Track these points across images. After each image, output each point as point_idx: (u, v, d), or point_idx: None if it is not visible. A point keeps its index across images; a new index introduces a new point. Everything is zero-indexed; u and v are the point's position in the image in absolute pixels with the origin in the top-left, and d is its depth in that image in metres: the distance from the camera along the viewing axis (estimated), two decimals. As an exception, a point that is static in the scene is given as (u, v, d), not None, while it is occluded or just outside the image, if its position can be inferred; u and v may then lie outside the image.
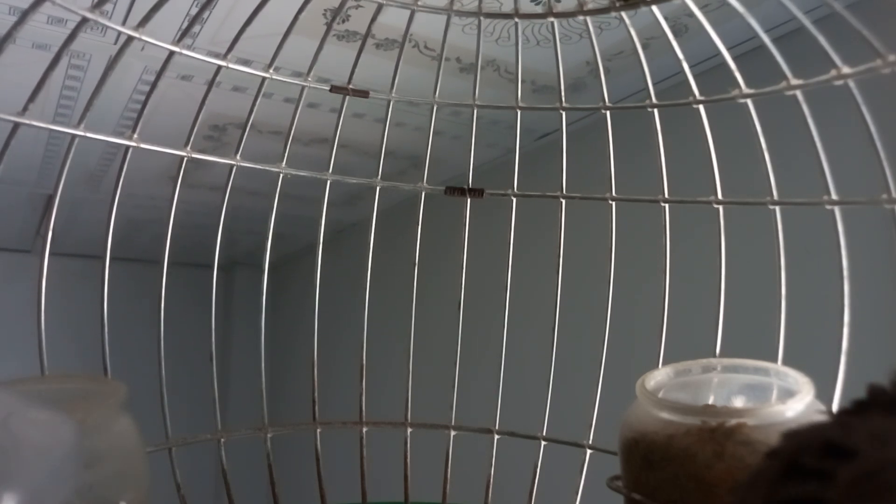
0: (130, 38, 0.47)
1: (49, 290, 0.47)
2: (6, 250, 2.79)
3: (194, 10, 1.02)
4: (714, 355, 0.53)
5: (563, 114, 0.60)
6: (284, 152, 0.58)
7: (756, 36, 0.49)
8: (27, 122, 0.43)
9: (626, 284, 0.66)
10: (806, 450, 0.25)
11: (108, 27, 0.45)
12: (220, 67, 0.52)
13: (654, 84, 0.57)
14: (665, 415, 0.43)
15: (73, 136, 0.46)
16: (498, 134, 1.58)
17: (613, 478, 0.47)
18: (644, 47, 0.56)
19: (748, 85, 0.52)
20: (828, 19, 0.48)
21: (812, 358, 0.47)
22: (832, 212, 0.50)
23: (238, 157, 0.55)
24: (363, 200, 2.16)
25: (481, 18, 0.58)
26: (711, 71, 0.96)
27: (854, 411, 0.28)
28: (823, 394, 0.45)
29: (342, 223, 2.45)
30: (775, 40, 0.50)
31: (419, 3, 0.57)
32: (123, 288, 0.83)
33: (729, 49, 0.52)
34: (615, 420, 0.47)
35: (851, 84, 0.47)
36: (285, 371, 2.68)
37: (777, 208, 0.53)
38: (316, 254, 0.60)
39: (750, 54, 0.68)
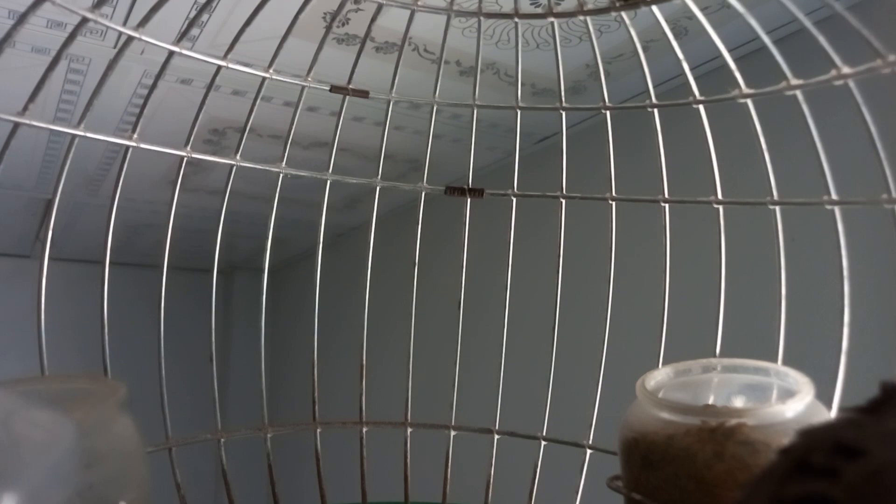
0: (130, 39, 0.47)
1: (49, 295, 0.47)
2: (6, 255, 2.80)
3: (194, 13, 1.03)
4: (714, 355, 0.53)
5: (563, 114, 0.60)
6: (284, 153, 0.58)
7: (756, 38, 0.50)
8: (27, 122, 0.43)
9: (626, 284, 0.66)
10: (816, 448, 0.25)
11: (107, 30, 0.45)
12: (219, 67, 0.53)
13: (654, 87, 0.57)
14: (665, 415, 0.43)
15: (73, 137, 0.46)
16: (498, 137, 1.58)
17: (613, 478, 0.47)
18: (644, 50, 0.56)
19: (748, 86, 0.52)
20: (828, 23, 0.48)
21: (812, 358, 0.47)
22: (832, 212, 0.50)
23: (238, 157, 0.55)
24: (362, 204, 2.16)
25: (481, 19, 0.59)
26: (712, 73, 0.96)
27: (869, 410, 0.28)
28: (823, 394, 0.45)
29: (342, 227, 2.45)
30: (775, 42, 0.50)
31: (419, 3, 0.57)
32: (123, 292, 0.83)
33: (729, 51, 0.52)
34: (615, 420, 0.47)
35: (851, 84, 0.47)
36: (285, 371, 2.68)
37: (777, 208, 0.53)
38: (316, 254, 0.60)
39: (750, 56, 0.68)
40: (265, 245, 0.59)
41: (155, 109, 1.40)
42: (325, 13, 1.07)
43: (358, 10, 1.04)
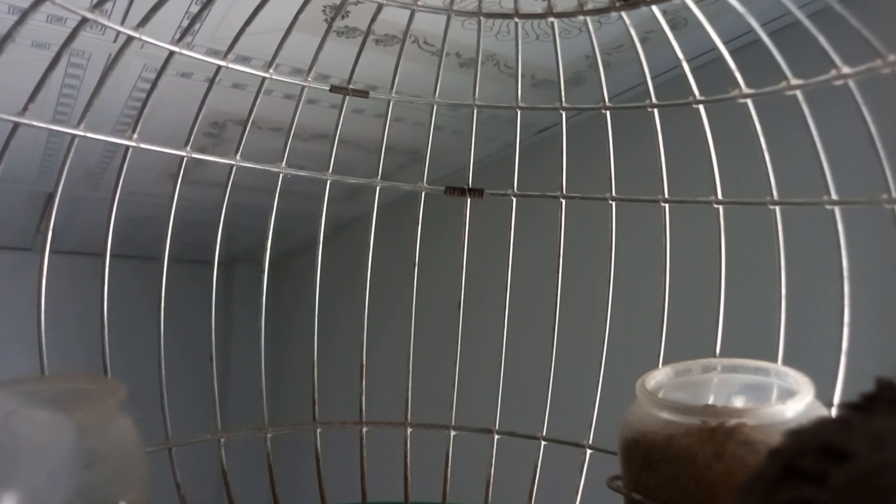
0: (130, 38, 0.47)
1: (50, 288, 0.47)
2: (7, 248, 2.79)
3: (194, 8, 1.02)
4: (714, 355, 0.53)
5: (563, 114, 0.60)
6: (284, 152, 0.58)
7: (753, 30, 0.49)
8: (27, 122, 0.43)
9: (626, 284, 0.66)
10: (804, 451, 0.25)
11: (107, 26, 0.45)
12: (219, 67, 0.52)
13: (653, 77, 0.56)
14: (665, 415, 0.43)
15: (73, 136, 0.46)
16: (498, 128, 1.58)
17: (613, 478, 0.47)
18: (643, 41, 0.56)
19: (747, 79, 0.52)
20: (828, 19, 0.48)
21: (812, 358, 0.47)
22: (832, 212, 0.50)
23: (238, 156, 0.55)
24: (363, 196, 2.16)
25: (481, 18, 0.58)
26: (711, 64, 0.96)
27: (860, 406, 0.28)
28: (823, 394, 0.45)
29: (342, 219, 2.45)
30: (773, 33, 0.50)
31: (419, 3, 0.56)
32: (124, 285, 0.83)
33: (728, 42, 0.52)
34: (615, 420, 0.47)
35: (851, 84, 0.47)
36: (285, 371, 2.68)
37: (777, 208, 0.53)
38: (316, 254, 0.60)
39: (749, 47, 0.68)
40: (265, 239, 0.59)
41: (155, 103, 1.40)
42: (325, 6, 1.07)
43: (358, 2, 1.04)
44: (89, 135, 0.46)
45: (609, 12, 0.53)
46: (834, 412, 0.46)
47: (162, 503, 0.44)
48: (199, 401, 0.73)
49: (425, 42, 1.20)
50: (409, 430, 0.60)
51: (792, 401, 0.42)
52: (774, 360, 0.51)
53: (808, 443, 0.26)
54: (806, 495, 0.23)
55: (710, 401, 0.47)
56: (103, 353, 0.49)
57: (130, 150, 0.50)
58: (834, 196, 0.50)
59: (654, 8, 0.51)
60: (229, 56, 0.52)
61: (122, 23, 0.47)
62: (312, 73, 0.57)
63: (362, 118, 1.52)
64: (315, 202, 0.59)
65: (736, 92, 0.52)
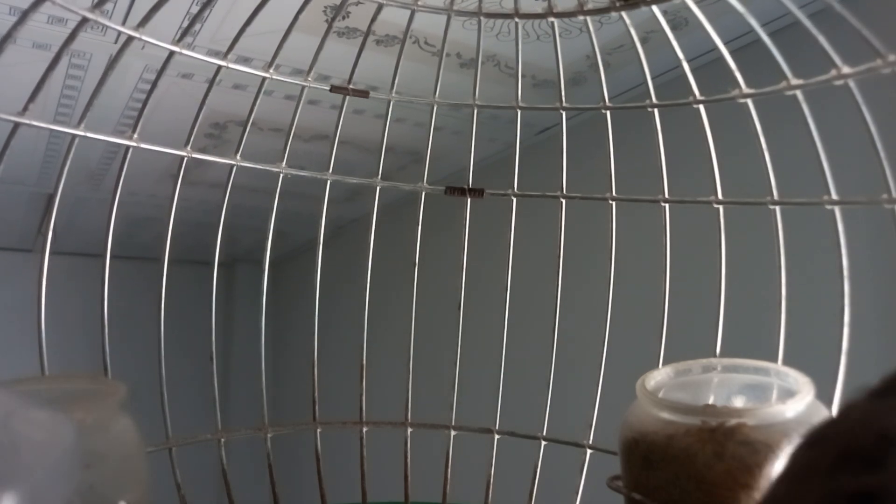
0: (131, 38, 0.47)
1: (50, 289, 0.47)
2: (7, 249, 2.80)
3: (195, 9, 1.02)
4: (714, 355, 0.53)
5: (564, 114, 0.60)
6: (285, 152, 0.58)
7: (754, 30, 0.49)
8: (27, 122, 0.43)
9: (626, 284, 0.66)
10: (859, 437, 0.24)
11: (108, 26, 0.45)
12: (220, 67, 0.52)
13: (654, 78, 0.56)
14: (665, 415, 0.43)
15: (74, 136, 0.46)
16: (498, 128, 1.58)
17: (613, 478, 0.47)
18: (643, 41, 0.56)
19: (748, 79, 0.52)
20: (828, 18, 0.48)
21: (812, 358, 0.47)
22: (832, 212, 0.50)
23: (238, 156, 0.55)
24: (363, 197, 2.16)
25: (482, 18, 0.58)
26: (711, 64, 0.96)
27: (882, 392, 0.27)
28: (823, 394, 0.45)
29: (343, 219, 2.45)
30: (774, 34, 0.50)
31: (419, 3, 0.56)
32: (125, 286, 0.83)
33: (728, 42, 0.52)
34: (615, 420, 0.47)
35: (851, 84, 0.47)
36: (285, 371, 2.68)
37: (777, 208, 0.53)
38: (316, 253, 0.60)
39: (749, 47, 0.68)
40: (266, 239, 0.59)
41: (156, 105, 1.40)
42: (325, 6, 1.07)
43: (358, 3, 1.04)
44: (89, 135, 0.46)
45: (609, 12, 0.53)
46: (854, 396, 0.46)
47: (162, 503, 0.44)
48: (199, 401, 0.73)
49: (426, 42, 1.20)
50: (409, 430, 0.60)
51: (792, 401, 0.42)
52: (774, 360, 0.51)
53: (860, 430, 0.25)
54: (877, 482, 0.22)
55: (710, 401, 0.47)
56: (103, 353, 0.49)
57: (131, 150, 0.50)
58: (834, 196, 0.50)
59: (655, 8, 0.51)
60: (229, 56, 0.52)
61: (123, 24, 0.47)
62: (313, 74, 0.57)
63: (363, 119, 1.52)
64: (315, 203, 0.59)
65: (736, 92, 0.52)
